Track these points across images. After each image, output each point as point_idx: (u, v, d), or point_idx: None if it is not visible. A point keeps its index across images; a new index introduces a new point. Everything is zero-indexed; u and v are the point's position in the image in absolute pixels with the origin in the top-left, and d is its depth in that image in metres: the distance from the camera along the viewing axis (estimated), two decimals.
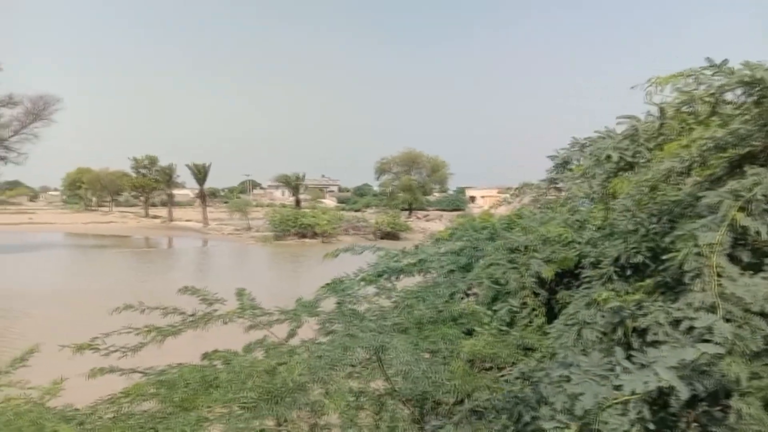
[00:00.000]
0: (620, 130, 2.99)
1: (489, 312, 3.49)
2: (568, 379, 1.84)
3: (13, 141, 39.26)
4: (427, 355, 3.22)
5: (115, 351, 3.42)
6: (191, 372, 3.22)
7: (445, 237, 4.54)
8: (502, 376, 2.92)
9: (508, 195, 4.62)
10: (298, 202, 66.83)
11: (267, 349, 3.85)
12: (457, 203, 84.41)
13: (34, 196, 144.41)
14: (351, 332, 3.15)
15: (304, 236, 47.36)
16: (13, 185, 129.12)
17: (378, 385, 3.30)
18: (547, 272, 3.41)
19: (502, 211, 4.63)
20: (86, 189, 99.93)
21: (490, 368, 3.30)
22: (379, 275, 4.46)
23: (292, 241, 46.66)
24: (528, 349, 3.14)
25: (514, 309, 3.37)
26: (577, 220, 3.69)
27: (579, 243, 3.53)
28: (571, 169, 3.39)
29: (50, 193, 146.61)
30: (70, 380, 3.46)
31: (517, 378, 2.31)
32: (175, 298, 4.00)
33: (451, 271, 3.91)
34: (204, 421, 2.76)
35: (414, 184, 74.23)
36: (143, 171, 76.42)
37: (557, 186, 4.07)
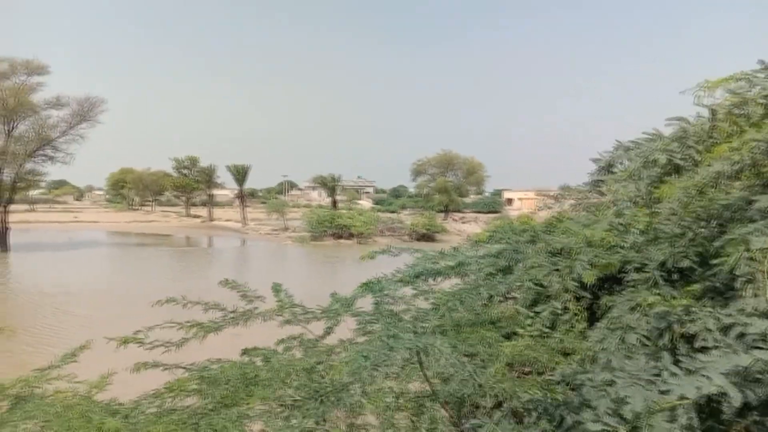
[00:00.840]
0: (668, 132, 2.92)
1: (530, 315, 3.44)
2: (611, 383, 1.81)
3: (60, 141, 40.56)
4: (465, 358, 3.20)
5: (159, 346, 3.49)
6: (232, 368, 3.27)
7: (483, 239, 4.50)
8: (540, 379, 2.88)
9: (547, 198, 4.57)
10: (334, 203, 67.26)
11: (305, 347, 3.87)
12: (493, 205, 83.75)
13: (79, 195, 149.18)
14: (393, 333, 3.14)
15: (340, 237, 47.67)
16: (60, 184, 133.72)
17: (415, 386, 3.29)
18: (590, 277, 3.34)
19: (544, 214, 4.57)
20: (129, 189, 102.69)
21: (529, 372, 3.26)
22: (417, 277, 4.43)
23: (328, 241, 47.02)
24: (567, 353, 3.09)
25: (556, 313, 3.31)
26: (621, 224, 3.61)
27: (623, 247, 3.46)
28: (614, 172, 3.32)
29: (95, 192, 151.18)
30: (112, 374, 3.55)
31: (559, 381, 2.28)
32: (214, 295, 4.06)
33: (490, 273, 3.87)
34: (245, 417, 2.79)
35: (450, 185, 73.89)
36: (184, 171, 78.14)
37: (600, 189, 4.00)
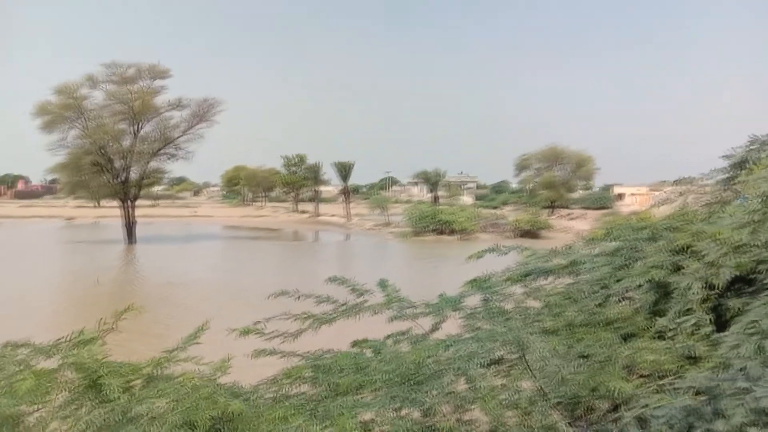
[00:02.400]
0: None
1: (649, 317, 3.27)
2: (747, 391, 1.68)
3: (181, 141, 43.30)
4: (579, 359, 3.10)
5: (277, 336, 3.66)
6: (345, 358, 3.37)
7: (599, 237, 4.32)
8: (662, 384, 2.73)
9: (667, 193, 4.30)
10: (436, 199, 67.18)
11: (413, 341, 3.91)
12: (602, 201, 79.87)
13: (197, 191, 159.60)
14: (498, 330, 3.12)
15: (441, 233, 47.57)
16: (180, 181, 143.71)
17: (526, 385, 3.23)
18: (717, 278, 3.12)
19: (664, 210, 4.31)
20: (242, 185, 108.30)
21: (648, 376, 3.11)
22: (526, 275, 4.34)
23: (429, 237, 47.07)
24: (691, 358, 2.91)
25: (679, 315, 3.12)
26: (753, 221, 3.33)
27: (756, 246, 3.19)
28: (749, 168, 3.07)
29: (211, 188, 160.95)
30: (231, 358, 3.74)
31: (687, 388, 2.15)
32: (322, 288, 4.18)
33: (606, 273, 3.71)
34: (359, 406, 2.87)
35: (556, 180, 71.26)
36: (293, 169, 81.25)
37: (729, 186, 3.72)
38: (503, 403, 2.83)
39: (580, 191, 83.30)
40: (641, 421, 2.18)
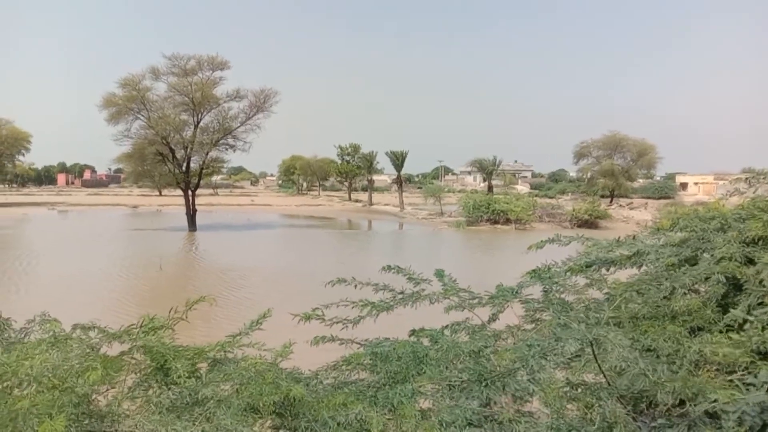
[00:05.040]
0: None
1: (718, 310, 3.15)
2: None
3: (239, 131, 44.24)
4: (645, 353, 3.02)
5: (337, 322, 3.71)
6: (404, 347, 3.39)
7: (664, 227, 4.17)
8: (731, 380, 2.63)
9: (733, 182, 4.11)
10: (490, 188, 66.32)
11: (471, 331, 3.90)
12: (664, 190, 77.04)
13: (254, 180, 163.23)
14: (563, 322, 3.07)
15: (496, 222, 47.02)
16: (238, 170, 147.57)
17: (588, 378, 3.18)
18: None
19: (734, 201, 4.12)
20: (298, 174, 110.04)
21: (716, 370, 3.00)
22: (588, 266, 4.24)
23: (484, 226, 46.62)
24: (763, 353, 2.78)
25: (751, 309, 2.99)
26: None
27: None
28: None
29: (268, 177, 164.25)
30: (293, 344, 3.82)
31: (761, 384, 2.06)
32: (376, 275, 4.20)
33: (673, 264, 3.58)
34: (417, 394, 2.89)
35: (617, 169, 69.03)
36: (347, 158, 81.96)
37: None
38: (565, 395, 2.79)
39: (641, 180, 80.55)
40: (711, 416, 2.12)
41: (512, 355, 2.94)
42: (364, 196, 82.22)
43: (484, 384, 2.89)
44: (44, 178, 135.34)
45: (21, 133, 75.57)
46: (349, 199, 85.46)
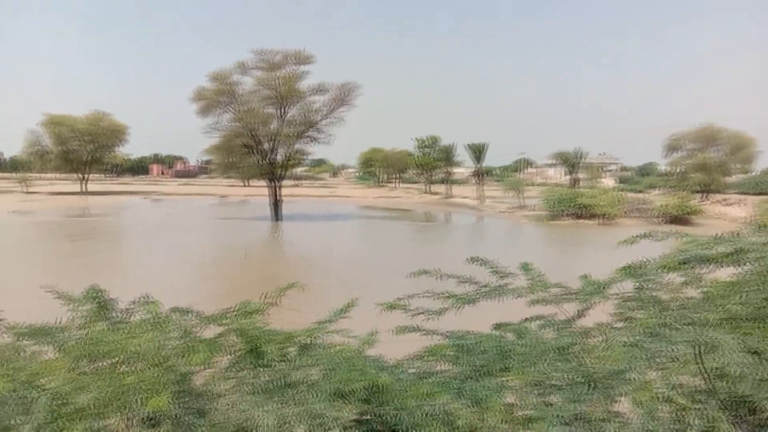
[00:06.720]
0: None
1: None
2: None
3: (322, 124, 45.08)
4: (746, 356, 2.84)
5: (420, 313, 3.72)
6: (488, 340, 3.36)
7: None
8: None
9: None
10: (575, 182, 64.21)
11: (557, 327, 3.81)
12: (764, 186, 71.71)
13: (334, 172, 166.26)
14: (665, 322, 2.94)
15: (579, 217, 45.48)
16: (319, 163, 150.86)
17: (683, 380, 3.03)
18: None
19: None
20: (377, 167, 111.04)
21: None
22: (683, 263, 4.03)
23: (566, 221, 45.23)
24: None
25: None
26: None
27: None
28: None
29: (347, 170, 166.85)
30: (376, 333, 3.87)
31: None
32: (456, 267, 4.16)
33: None
34: (505, 389, 2.86)
35: (711, 163, 64.98)
36: (426, 150, 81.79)
37: None
38: (659, 396, 2.68)
39: (738, 175, 75.39)
40: None
41: (620, 355, 2.84)
42: (442, 188, 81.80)
43: (590, 386, 2.81)
44: (138, 168, 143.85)
45: (119, 125, 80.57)
46: (428, 191, 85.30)
